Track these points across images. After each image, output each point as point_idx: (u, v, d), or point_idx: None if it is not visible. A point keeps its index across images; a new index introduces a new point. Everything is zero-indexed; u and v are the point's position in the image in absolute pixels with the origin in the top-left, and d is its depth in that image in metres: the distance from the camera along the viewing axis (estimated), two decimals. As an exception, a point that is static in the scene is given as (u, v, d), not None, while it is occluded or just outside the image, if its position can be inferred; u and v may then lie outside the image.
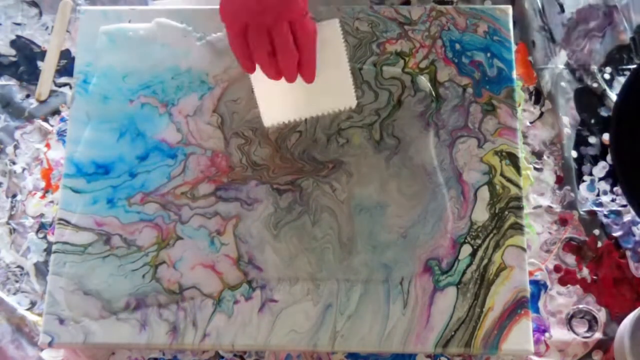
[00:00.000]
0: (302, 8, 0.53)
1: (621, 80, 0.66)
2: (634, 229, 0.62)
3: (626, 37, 0.68)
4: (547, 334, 0.59)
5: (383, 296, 0.57)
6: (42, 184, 0.65)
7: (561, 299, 0.60)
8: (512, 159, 0.61)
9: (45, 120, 0.67)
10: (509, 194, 0.60)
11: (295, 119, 0.61)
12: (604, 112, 0.66)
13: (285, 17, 0.53)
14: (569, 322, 0.59)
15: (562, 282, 0.60)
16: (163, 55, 0.65)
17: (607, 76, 0.67)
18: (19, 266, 0.63)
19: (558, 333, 0.59)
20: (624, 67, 0.67)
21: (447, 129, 0.62)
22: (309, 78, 0.57)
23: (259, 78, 0.58)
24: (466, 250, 0.58)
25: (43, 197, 0.64)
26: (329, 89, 0.60)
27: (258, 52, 0.54)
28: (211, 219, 0.60)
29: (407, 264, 0.58)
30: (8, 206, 0.64)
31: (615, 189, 0.63)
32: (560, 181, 0.63)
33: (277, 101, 0.60)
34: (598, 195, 0.63)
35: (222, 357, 0.59)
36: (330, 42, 0.59)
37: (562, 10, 0.69)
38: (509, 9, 0.66)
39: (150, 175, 0.61)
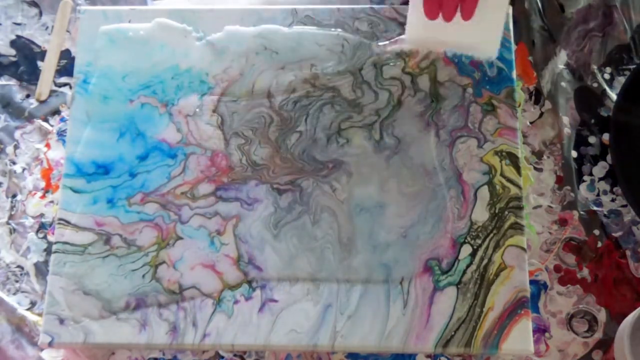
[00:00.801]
0: None
1: (621, 80, 0.66)
2: (634, 229, 0.62)
3: (626, 37, 0.68)
4: (547, 334, 0.59)
5: (383, 296, 0.57)
6: (42, 184, 0.65)
7: (561, 299, 0.60)
8: (512, 159, 0.61)
9: (45, 120, 0.67)
10: (509, 194, 0.60)
11: (432, 49, 0.61)
12: (604, 112, 0.66)
13: None
14: (569, 322, 0.59)
15: (562, 282, 0.60)
16: (163, 55, 0.65)
17: (607, 76, 0.67)
18: (19, 266, 0.63)
19: (558, 333, 0.59)
20: (624, 67, 0.67)
21: (447, 129, 0.62)
22: (467, 15, 0.57)
23: None
24: (466, 250, 0.58)
25: (43, 197, 0.64)
26: (478, 32, 0.60)
27: None
28: (211, 218, 0.60)
29: (407, 264, 0.58)
30: (8, 206, 0.64)
31: (615, 189, 0.63)
32: (560, 181, 0.63)
33: (425, 23, 0.60)
34: (598, 195, 0.63)
35: (222, 357, 0.59)
36: None
37: (562, 10, 0.69)
38: (509, 9, 0.66)
39: (150, 175, 0.61)
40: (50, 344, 0.57)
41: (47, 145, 0.66)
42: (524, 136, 0.65)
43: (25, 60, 0.70)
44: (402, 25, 0.65)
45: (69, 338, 0.57)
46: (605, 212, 0.62)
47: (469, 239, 0.59)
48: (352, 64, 0.64)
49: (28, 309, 0.61)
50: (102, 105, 0.64)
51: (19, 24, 0.71)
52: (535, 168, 0.64)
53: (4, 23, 0.71)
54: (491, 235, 0.59)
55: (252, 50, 0.65)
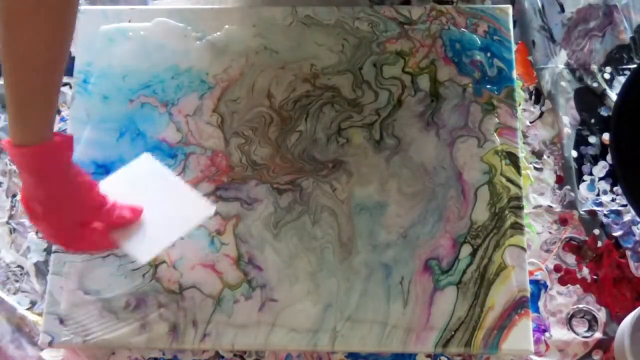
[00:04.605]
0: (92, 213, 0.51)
1: (621, 80, 0.66)
2: (634, 228, 0.62)
3: (626, 36, 0.68)
4: (547, 334, 0.59)
5: (383, 296, 0.57)
6: (42, 184, 0.65)
7: (561, 298, 0.60)
8: (512, 159, 0.61)
9: (45, 120, 0.67)
10: (509, 193, 0.60)
11: (166, 245, 0.56)
12: (604, 112, 0.66)
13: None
14: (569, 321, 0.59)
15: (562, 281, 0.60)
16: (163, 55, 0.65)
17: (607, 76, 0.67)
18: (19, 266, 0.63)
19: (558, 333, 0.59)
20: (624, 67, 0.67)
21: (447, 128, 0.62)
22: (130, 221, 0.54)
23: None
24: (466, 249, 0.58)
25: (43, 197, 0.64)
26: (182, 209, 0.56)
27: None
28: (211, 218, 0.60)
29: (407, 264, 0.58)
30: (8, 206, 0.64)
31: (615, 188, 0.63)
32: (560, 181, 0.63)
33: (141, 238, 0.56)
34: (598, 195, 0.63)
35: (222, 357, 0.59)
36: (153, 172, 0.57)
37: (562, 9, 0.69)
38: (509, 8, 0.66)
39: (150, 175, 0.61)
40: (50, 344, 0.57)
41: (47, 145, 0.66)
42: (524, 136, 0.65)
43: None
44: (402, 24, 0.65)
45: (69, 338, 0.57)
46: (605, 212, 0.62)
47: (469, 238, 0.59)
48: (352, 63, 0.64)
49: (28, 309, 0.61)
50: (102, 105, 0.64)
51: (18, 24, 0.71)
52: (535, 168, 0.64)
53: (3, 23, 0.71)
54: (491, 235, 0.59)
55: (252, 50, 0.65)
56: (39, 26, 0.44)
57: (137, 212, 0.53)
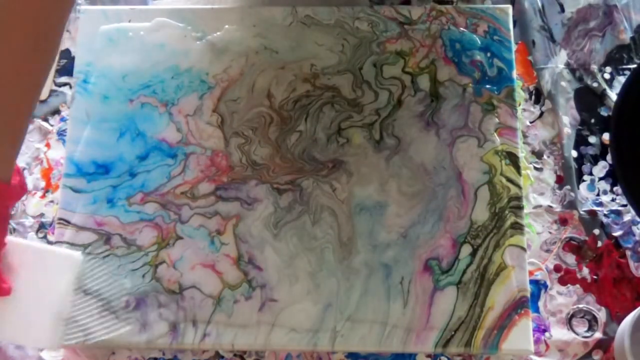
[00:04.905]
0: None
1: (621, 80, 0.66)
2: (634, 228, 0.62)
3: (626, 36, 0.68)
4: (547, 334, 0.59)
5: (383, 296, 0.57)
6: (42, 184, 0.65)
7: (561, 298, 0.60)
8: (512, 159, 0.61)
9: (45, 120, 0.67)
10: (509, 193, 0.60)
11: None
12: (604, 112, 0.66)
13: None
14: (569, 321, 0.59)
15: (562, 281, 0.60)
16: (163, 55, 0.65)
17: (607, 76, 0.67)
18: (18, 266, 0.62)
19: (558, 333, 0.59)
20: (624, 67, 0.67)
21: (447, 128, 0.62)
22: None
23: None
24: (466, 249, 0.58)
25: (43, 196, 0.64)
26: (21, 318, 0.53)
27: None
28: (211, 218, 0.60)
29: (407, 264, 0.58)
30: (8, 206, 0.64)
31: (615, 188, 0.63)
32: (560, 181, 0.63)
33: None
34: (598, 195, 0.63)
35: (222, 357, 0.59)
36: (59, 273, 0.56)
37: (562, 9, 0.69)
38: (509, 8, 0.66)
39: (150, 174, 0.61)
40: (50, 344, 0.57)
41: (47, 145, 0.66)
42: (524, 136, 0.65)
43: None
44: (402, 24, 0.65)
45: (69, 338, 0.57)
46: (605, 212, 0.62)
47: (469, 238, 0.59)
48: (352, 63, 0.64)
49: (28, 309, 0.61)
50: (102, 105, 0.64)
51: (18, 24, 0.71)
52: (535, 168, 0.64)
53: (3, 23, 0.71)
54: (491, 234, 0.59)
55: (252, 50, 0.65)
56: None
57: (7, 292, 0.51)
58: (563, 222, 0.62)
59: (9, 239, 0.53)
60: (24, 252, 0.54)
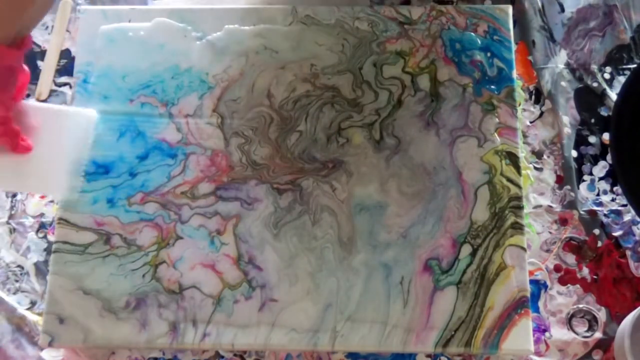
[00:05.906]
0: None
1: (621, 80, 0.66)
2: (634, 228, 0.62)
3: (626, 36, 0.68)
4: (547, 334, 0.59)
5: (383, 296, 0.57)
6: (42, 184, 0.65)
7: (561, 298, 0.60)
8: (512, 159, 0.61)
9: (45, 120, 0.67)
10: (509, 193, 0.60)
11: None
12: (604, 112, 0.66)
13: None
14: (569, 321, 0.59)
15: (562, 281, 0.60)
16: (163, 55, 0.65)
17: (607, 76, 0.67)
18: (19, 266, 0.63)
19: (558, 333, 0.59)
20: (624, 66, 0.67)
21: (447, 128, 0.62)
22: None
23: None
24: (466, 249, 0.58)
25: (43, 196, 0.64)
26: (42, 171, 0.58)
27: None
28: (211, 218, 0.60)
29: (407, 264, 0.58)
30: (8, 206, 0.64)
31: (615, 188, 0.63)
32: (560, 181, 0.63)
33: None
34: (598, 194, 0.63)
35: (222, 357, 0.59)
36: (76, 129, 0.60)
37: (562, 9, 0.69)
38: (509, 8, 0.66)
39: (150, 174, 0.61)
40: (50, 344, 0.57)
41: (47, 145, 0.66)
42: (524, 136, 0.65)
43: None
44: (402, 24, 0.65)
45: (69, 338, 0.57)
46: (605, 212, 0.62)
47: (469, 238, 0.59)
48: (352, 63, 0.64)
49: (28, 309, 0.61)
50: (102, 105, 0.64)
51: (19, 24, 0.71)
52: (535, 168, 0.64)
53: (4, 23, 0.71)
54: (491, 234, 0.59)
55: (252, 50, 0.65)
56: None
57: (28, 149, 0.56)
58: (563, 222, 0.62)
59: (25, 103, 0.57)
60: (41, 113, 0.58)
